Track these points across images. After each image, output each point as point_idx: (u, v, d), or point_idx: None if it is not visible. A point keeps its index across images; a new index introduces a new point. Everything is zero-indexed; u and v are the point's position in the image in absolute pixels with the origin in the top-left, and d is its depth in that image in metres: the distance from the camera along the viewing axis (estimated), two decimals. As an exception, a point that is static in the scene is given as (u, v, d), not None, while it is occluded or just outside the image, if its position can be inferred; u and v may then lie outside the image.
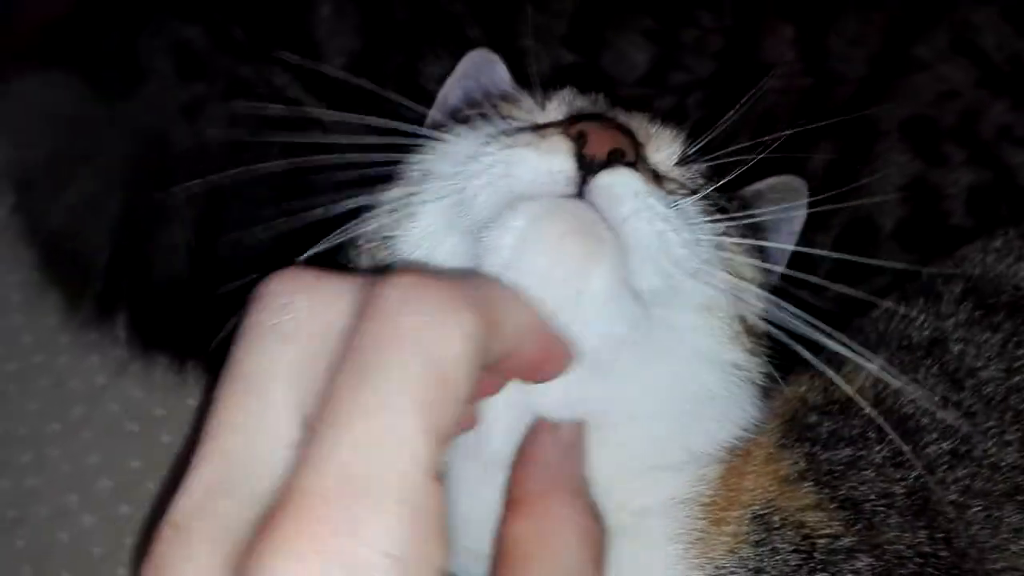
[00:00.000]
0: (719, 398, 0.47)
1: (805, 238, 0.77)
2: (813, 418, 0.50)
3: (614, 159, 0.43)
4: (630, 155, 0.44)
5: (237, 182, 0.81)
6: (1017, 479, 0.47)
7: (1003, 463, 0.48)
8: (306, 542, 0.28)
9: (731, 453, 0.48)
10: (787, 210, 0.59)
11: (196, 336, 0.81)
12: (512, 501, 0.37)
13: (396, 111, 0.86)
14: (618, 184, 0.43)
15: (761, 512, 0.46)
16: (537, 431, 0.41)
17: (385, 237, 0.51)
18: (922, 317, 0.53)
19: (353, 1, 0.85)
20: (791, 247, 0.62)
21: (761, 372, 0.50)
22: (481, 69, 0.69)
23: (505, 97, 0.59)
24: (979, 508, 0.47)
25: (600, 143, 0.44)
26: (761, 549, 0.45)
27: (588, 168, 0.43)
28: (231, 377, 0.34)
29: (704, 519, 0.46)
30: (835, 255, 0.53)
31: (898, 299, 0.55)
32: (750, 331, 0.49)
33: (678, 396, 0.47)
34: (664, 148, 0.52)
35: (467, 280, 0.37)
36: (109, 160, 0.82)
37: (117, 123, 0.84)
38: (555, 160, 0.43)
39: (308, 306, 0.34)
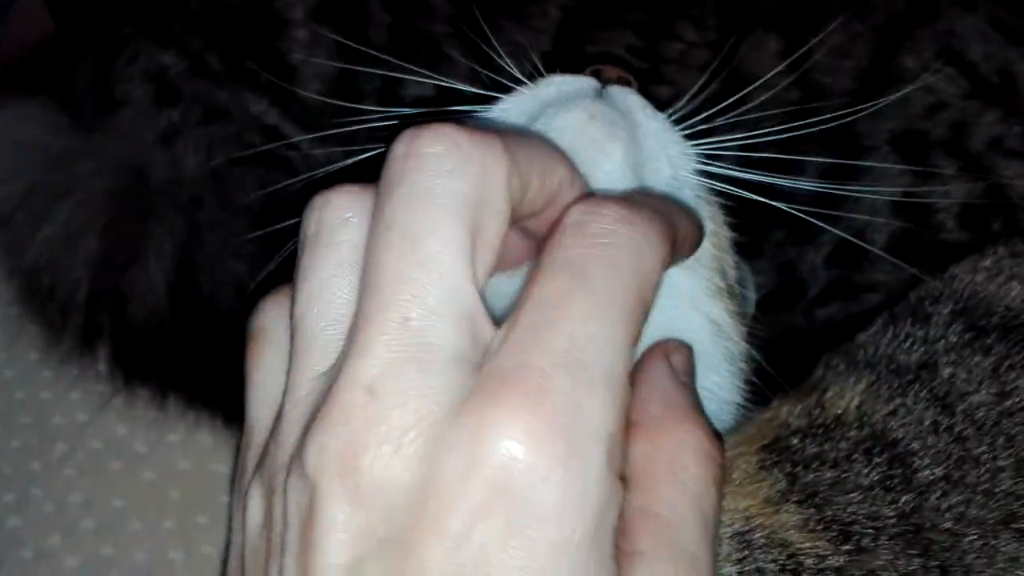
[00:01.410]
0: (699, 355, 0.47)
1: (796, 256, 0.77)
2: (795, 441, 0.48)
3: (624, 83, 0.53)
4: (635, 86, 0.54)
5: (215, 213, 0.80)
6: (1012, 506, 0.46)
7: (997, 489, 0.46)
8: (527, 417, 0.30)
9: None
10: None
11: (178, 370, 0.80)
12: (634, 424, 0.37)
13: (375, 134, 0.86)
14: (627, 94, 0.52)
15: (742, 530, 0.45)
16: (650, 356, 0.41)
17: None
18: (910, 340, 0.52)
19: (329, 25, 0.83)
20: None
21: (742, 352, 0.51)
22: None
23: None
24: (974, 536, 0.45)
25: (612, 72, 0.54)
26: (744, 568, 0.44)
27: (604, 83, 0.52)
28: (391, 239, 0.33)
29: None
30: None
31: (886, 321, 0.54)
32: (730, 291, 0.52)
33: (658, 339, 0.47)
34: None
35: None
36: (86, 193, 0.81)
37: (94, 155, 0.83)
38: (576, 80, 0.52)
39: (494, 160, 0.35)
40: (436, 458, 0.30)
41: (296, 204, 0.79)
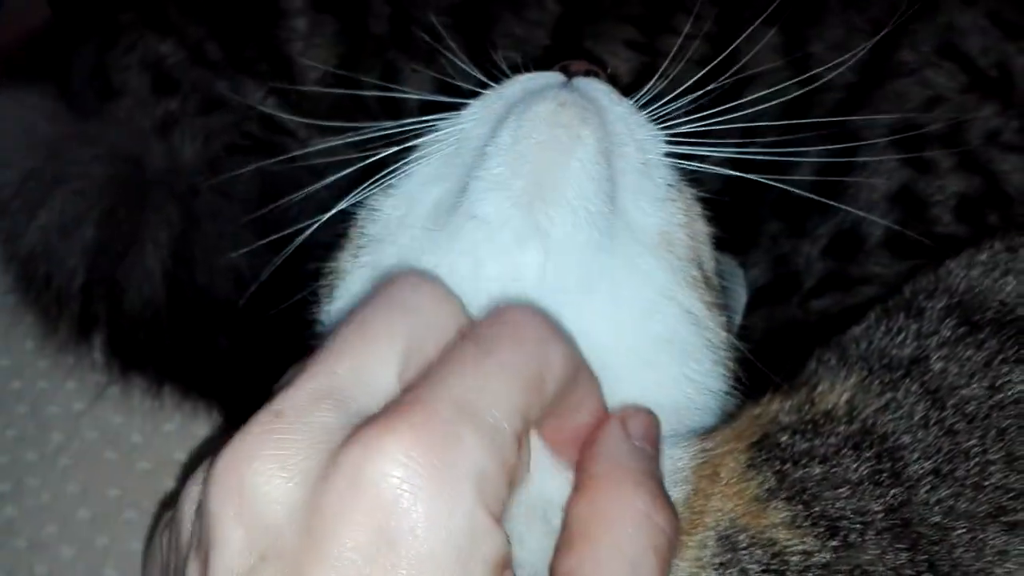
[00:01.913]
0: (676, 343, 0.49)
1: (791, 248, 0.76)
2: (784, 438, 0.48)
3: (591, 75, 0.53)
4: (603, 78, 0.54)
5: (212, 202, 0.80)
6: (1001, 500, 0.46)
7: (987, 483, 0.46)
8: (410, 441, 0.32)
9: (697, 474, 0.47)
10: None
11: (174, 359, 0.80)
12: (578, 481, 0.39)
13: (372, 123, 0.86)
14: (594, 83, 0.52)
15: (727, 532, 0.45)
16: (606, 421, 0.42)
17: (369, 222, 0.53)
18: (903, 334, 0.51)
19: (328, 14, 0.83)
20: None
21: (723, 340, 0.51)
22: None
23: None
24: (963, 530, 0.45)
25: (579, 66, 0.54)
26: (727, 571, 0.44)
27: (571, 76, 0.53)
28: (348, 322, 0.37)
29: None
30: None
31: (880, 315, 0.54)
32: (708, 283, 0.52)
33: (633, 329, 0.48)
34: None
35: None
36: (83, 181, 0.81)
37: (91, 142, 0.83)
38: (542, 76, 0.53)
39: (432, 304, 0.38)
40: (322, 477, 0.32)
41: (294, 193, 0.79)
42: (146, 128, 0.83)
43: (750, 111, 0.61)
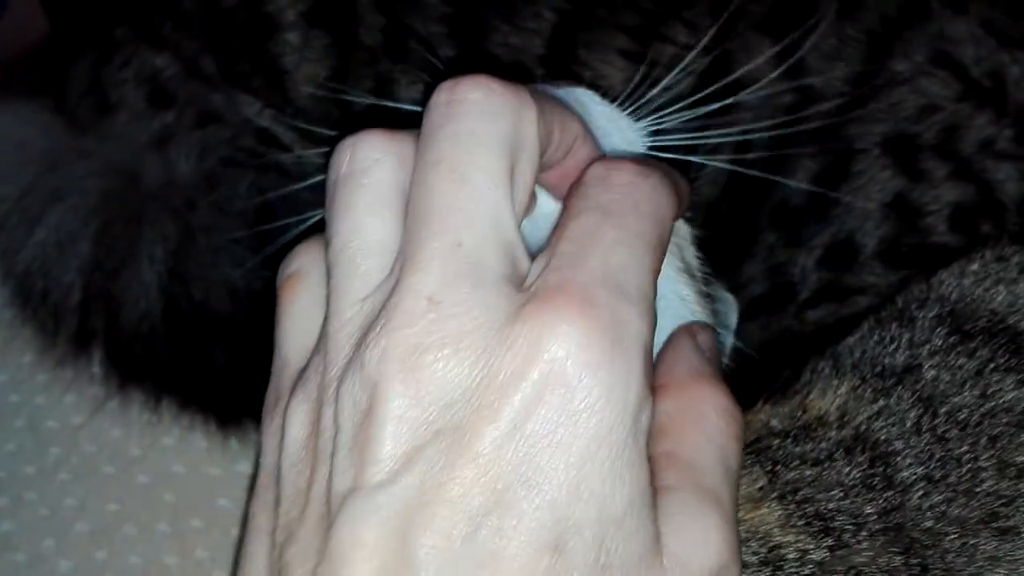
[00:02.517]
0: (669, 324, 0.49)
1: (787, 258, 0.77)
2: (776, 442, 0.49)
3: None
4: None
5: (208, 217, 0.80)
6: (992, 505, 0.46)
7: (978, 489, 0.46)
8: (580, 316, 0.33)
9: None
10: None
11: (171, 373, 0.80)
12: (661, 385, 0.40)
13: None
14: (576, 87, 0.52)
15: None
16: (677, 333, 0.44)
17: None
18: (896, 343, 0.52)
19: (320, 27, 0.83)
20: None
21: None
22: None
23: None
24: (955, 535, 0.45)
25: (561, 83, 0.52)
26: None
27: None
28: (440, 172, 0.36)
29: None
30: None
31: (873, 324, 0.54)
32: (688, 270, 0.53)
33: None
34: None
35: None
36: (80, 196, 0.81)
37: (87, 158, 0.83)
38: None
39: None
40: (494, 357, 0.33)
41: (289, 208, 0.80)
42: (142, 142, 0.83)
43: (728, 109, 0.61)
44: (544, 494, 0.32)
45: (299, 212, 0.80)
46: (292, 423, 0.37)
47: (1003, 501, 0.45)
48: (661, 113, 0.55)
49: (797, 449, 0.47)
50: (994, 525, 0.45)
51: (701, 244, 0.81)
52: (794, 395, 0.51)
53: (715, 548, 0.37)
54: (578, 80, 0.79)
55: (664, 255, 0.38)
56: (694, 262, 0.56)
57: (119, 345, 0.80)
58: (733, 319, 0.66)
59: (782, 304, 0.75)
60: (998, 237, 0.65)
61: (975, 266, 0.54)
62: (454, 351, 0.33)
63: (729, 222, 0.81)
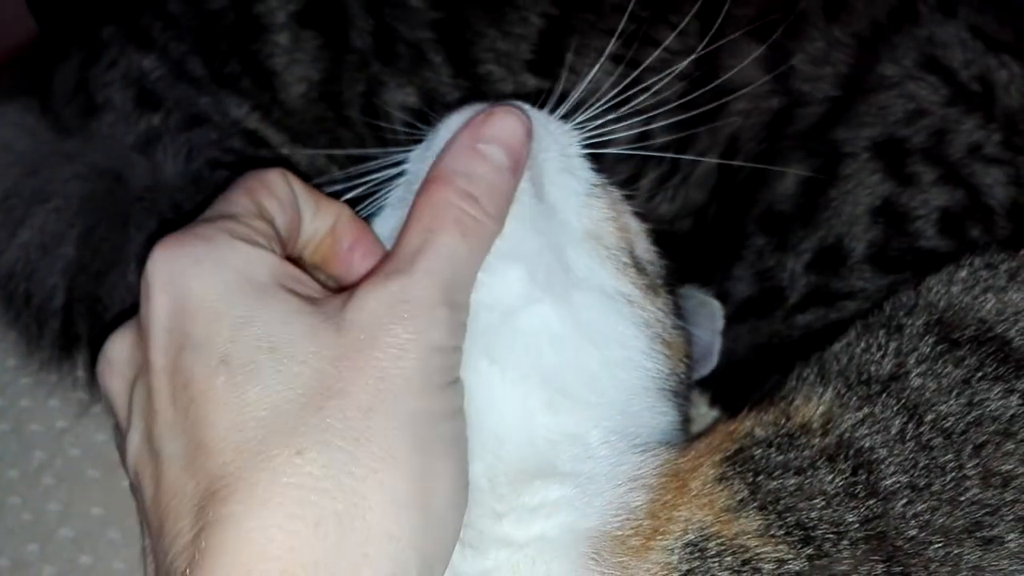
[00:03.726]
0: (603, 328, 0.51)
1: (775, 263, 0.76)
2: (758, 451, 0.48)
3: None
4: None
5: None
6: (976, 515, 0.46)
7: (963, 498, 0.46)
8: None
9: (664, 485, 0.47)
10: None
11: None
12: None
13: (357, 139, 0.85)
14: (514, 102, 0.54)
15: (695, 540, 0.45)
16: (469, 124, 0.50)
17: None
18: (882, 351, 0.52)
19: (311, 29, 0.83)
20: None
21: (657, 318, 0.53)
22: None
23: None
24: (939, 544, 0.45)
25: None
26: None
27: None
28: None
29: (618, 552, 0.45)
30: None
31: (860, 331, 0.54)
32: (639, 267, 0.54)
33: (571, 321, 0.50)
34: None
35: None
36: (64, 198, 0.81)
37: (72, 159, 0.83)
38: (470, 109, 0.54)
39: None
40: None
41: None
42: (128, 144, 0.83)
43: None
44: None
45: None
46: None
47: (988, 510, 0.45)
48: (578, 114, 0.57)
49: (780, 458, 0.47)
50: (978, 535, 0.45)
51: (690, 247, 0.81)
52: (779, 402, 0.50)
53: None
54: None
55: None
56: (647, 255, 0.57)
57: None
58: (719, 323, 0.66)
59: (771, 308, 0.75)
60: (987, 243, 0.65)
61: (963, 273, 0.54)
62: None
63: (717, 226, 0.80)
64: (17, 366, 0.85)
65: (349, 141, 0.86)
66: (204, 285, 0.43)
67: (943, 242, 0.71)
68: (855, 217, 0.73)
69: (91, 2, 0.90)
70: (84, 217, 0.79)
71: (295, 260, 0.49)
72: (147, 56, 0.85)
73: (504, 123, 0.49)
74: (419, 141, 0.56)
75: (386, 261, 0.45)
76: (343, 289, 0.46)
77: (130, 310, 0.48)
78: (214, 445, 0.39)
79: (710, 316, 0.65)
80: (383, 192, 0.56)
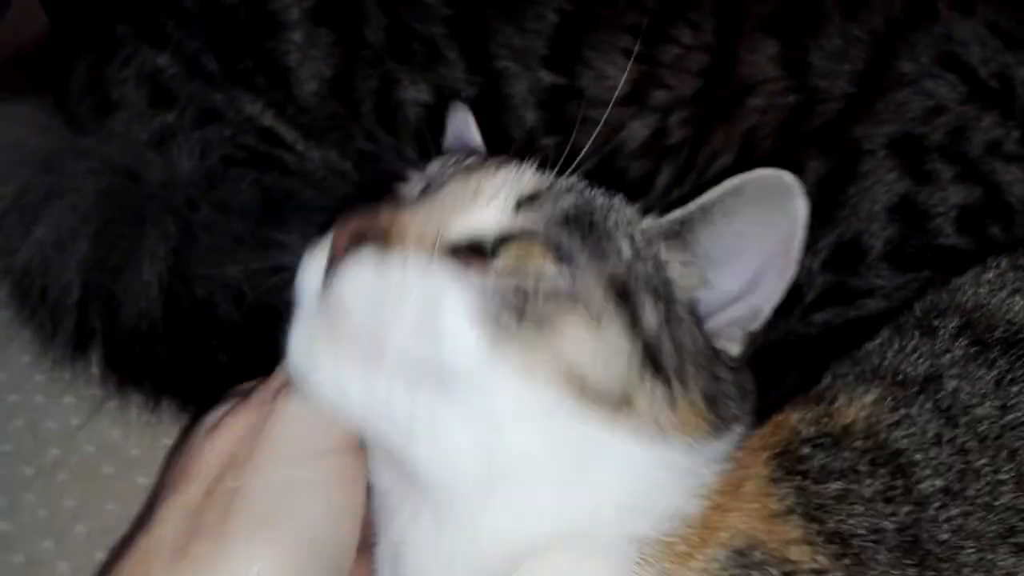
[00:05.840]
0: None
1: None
2: (806, 450, 0.49)
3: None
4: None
5: (209, 216, 0.80)
6: (1011, 520, 0.46)
7: (997, 503, 0.46)
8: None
9: (720, 486, 0.48)
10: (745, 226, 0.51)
11: (171, 373, 0.80)
12: None
13: (370, 136, 0.85)
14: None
15: (742, 548, 0.45)
16: None
17: None
18: (917, 352, 0.52)
19: (325, 26, 0.83)
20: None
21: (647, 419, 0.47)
22: (458, 126, 0.66)
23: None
24: (972, 550, 0.45)
25: (339, 239, 0.49)
26: None
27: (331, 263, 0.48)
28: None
29: (665, 556, 0.45)
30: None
31: (893, 332, 0.54)
32: (593, 392, 0.46)
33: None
34: (497, 198, 0.51)
35: None
36: (79, 195, 0.81)
37: (87, 156, 0.83)
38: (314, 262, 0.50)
39: None
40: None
41: (291, 206, 0.79)
42: (143, 141, 0.83)
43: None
44: None
45: (302, 210, 0.79)
46: None
47: (1022, 516, 0.45)
48: None
49: (825, 460, 0.47)
50: (1012, 540, 0.45)
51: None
52: (818, 399, 0.51)
53: None
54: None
55: None
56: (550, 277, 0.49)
57: (119, 345, 0.80)
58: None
59: (788, 307, 0.74)
60: (1007, 240, 0.65)
61: (990, 275, 0.54)
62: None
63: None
64: (32, 363, 0.84)
65: (362, 138, 0.86)
66: None
67: (961, 240, 0.71)
68: (873, 215, 0.73)
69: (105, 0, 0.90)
70: (99, 214, 0.79)
71: None
72: (161, 53, 0.85)
73: None
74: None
75: None
76: None
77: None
78: None
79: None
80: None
